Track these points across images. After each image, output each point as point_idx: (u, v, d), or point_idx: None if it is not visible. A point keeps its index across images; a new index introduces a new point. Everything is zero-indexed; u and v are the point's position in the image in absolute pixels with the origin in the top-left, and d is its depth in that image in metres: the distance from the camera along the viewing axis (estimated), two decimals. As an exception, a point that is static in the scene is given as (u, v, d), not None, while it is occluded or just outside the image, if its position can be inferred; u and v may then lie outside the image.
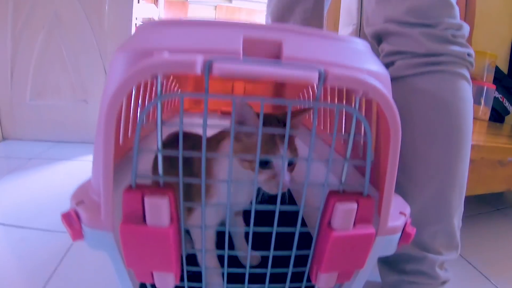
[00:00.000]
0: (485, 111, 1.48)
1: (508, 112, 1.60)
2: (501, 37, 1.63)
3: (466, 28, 0.50)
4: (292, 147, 0.41)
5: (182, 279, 0.37)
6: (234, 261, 0.53)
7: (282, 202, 0.35)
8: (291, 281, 0.39)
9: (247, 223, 0.53)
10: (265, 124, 0.33)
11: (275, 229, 0.35)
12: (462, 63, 0.49)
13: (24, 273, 0.60)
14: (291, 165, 0.40)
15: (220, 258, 0.46)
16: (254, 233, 0.35)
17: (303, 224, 0.36)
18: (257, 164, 0.34)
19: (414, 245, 0.52)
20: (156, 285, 0.35)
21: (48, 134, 1.40)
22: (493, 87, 1.48)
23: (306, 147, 0.59)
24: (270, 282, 0.39)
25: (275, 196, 0.35)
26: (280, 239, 0.36)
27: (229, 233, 0.36)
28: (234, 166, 0.39)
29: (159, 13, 2.12)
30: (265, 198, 0.39)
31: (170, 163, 0.35)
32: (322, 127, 0.68)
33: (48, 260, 0.63)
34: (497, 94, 1.53)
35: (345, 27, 1.16)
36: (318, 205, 0.35)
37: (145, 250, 0.32)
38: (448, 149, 0.48)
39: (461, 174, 0.50)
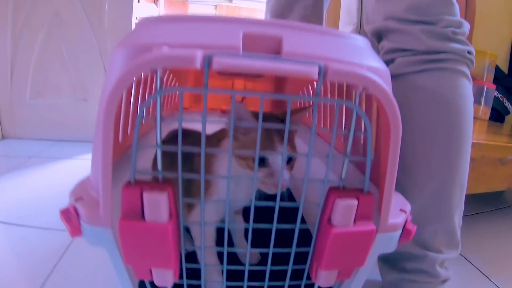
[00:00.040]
0: (485, 111, 1.48)
1: (508, 112, 1.60)
2: (501, 37, 1.63)
3: (466, 25, 0.50)
4: (291, 145, 0.41)
5: (181, 277, 0.37)
6: (234, 259, 0.53)
7: (281, 201, 0.34)
8: (290, 279, 0.39)
9: (246, 221, 0.52)
10: (263, 121, 0.33)
11: (274, 225, 0.35)
12: (462, 60, 0.48)
13: (24, 271, 0.60)
14: (290, 163, 0.40)
15: (220, 257, 0.46)
16: (254, 231, 0.35)
17: (303, 221, 0.36)
18: (256, 161, 0.34)
19: (414, 243, 0.52)
20: (155, 282, 0.35)
21: (48, 133, 1.40)
22: (493, 86, 1.48)
23: (306, 145, 0.59)
24: (269, 279, 0.39)
25: (273, 196, 0.35)
26: (279, 237, 0.36)
27: (228, 231, 0.36)
28: (234, 166, 0.38)
29: (159, 12, 2.12)
30: (262, 199, 0.39)
31: (170, 161, 0.35)
32: (322, 125, 0.68)
33: (48, 258, 0.63)
34: (497, 94, 1.53)
35: (345, 26, 1.16)
36: (318, 202, 0.35)
37: (143, 247, 0.32)
38: (448, 146, 0.48)
39: (462, 172, 0.50)
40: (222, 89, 0.91)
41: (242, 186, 0.44)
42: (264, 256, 0.53)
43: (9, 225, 0.74)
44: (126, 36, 0.34)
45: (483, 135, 0.99)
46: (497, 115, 1.57)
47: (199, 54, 0.26)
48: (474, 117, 0.51)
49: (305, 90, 0.76)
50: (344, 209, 0.33)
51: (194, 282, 0.38)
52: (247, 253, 0.37)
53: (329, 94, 0.59)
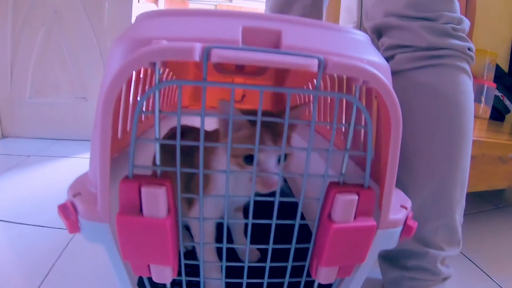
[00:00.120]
0: (485, 110, 1.47)
1: (508, 111, 1.59)
2: (501, 36, 1.63)
3: (466, 22, 0.49)
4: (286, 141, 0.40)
5: (180, 274, 0.37)
6: (233, 257, 0.53)
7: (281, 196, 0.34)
8: (290, 276, 0.39)
9: (247, 218, 0.52)
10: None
11: (274, 221, 0.35)
12: (462, 56, 0.48)
13: (23, 268, 0.60)
14: (285, 160, 0.39)
15: (219, 255, 0.46)
16: (253, 229, 0.35)
17: (302, 218, 0.35)
18: (255, 157, 0.34)
19: (415, 240, 0.52)
20: (153, 279, 0.35)
21: (47, 132, 1.40)
22: (494, 85, 1.48)
23: (305, 142, 0.58)
24: (269, 276, 0.38)
25: (273, 194, 0.35)
26: (279, 234, 0.36)
27: (228, 228, 0.35)
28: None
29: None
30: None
31: (170, 159, 0.35)
32: (322, 121, 0.67)
33: (47, 256, 0.63)
34: (497, 93, 1.53)
35: (345, 24, 1.15)
36: (317, 198, 0.35)
37: (141, 242, 0.31)
38: (449, 143, 0.48)
39: (463, 168, 0.50)
40: (221, 89, 0.91)
41: (241, 183, 0.43)
42: (263, 254, 0.53)
43: (8, 223, 0.74)
44: (125, 30, 0.34)
45: (483, 133, 0.98)
46: (497, 114, 1.57)
47: (197, 46, 0.25)
48: (474, 116, 0.51)
49: (305, 87, 0.75)
50: (345, 204, 0.33)
51: (193, 279, 0.38)
52: (247, 249, 0.37)
53: (329, 89, 0.59)
